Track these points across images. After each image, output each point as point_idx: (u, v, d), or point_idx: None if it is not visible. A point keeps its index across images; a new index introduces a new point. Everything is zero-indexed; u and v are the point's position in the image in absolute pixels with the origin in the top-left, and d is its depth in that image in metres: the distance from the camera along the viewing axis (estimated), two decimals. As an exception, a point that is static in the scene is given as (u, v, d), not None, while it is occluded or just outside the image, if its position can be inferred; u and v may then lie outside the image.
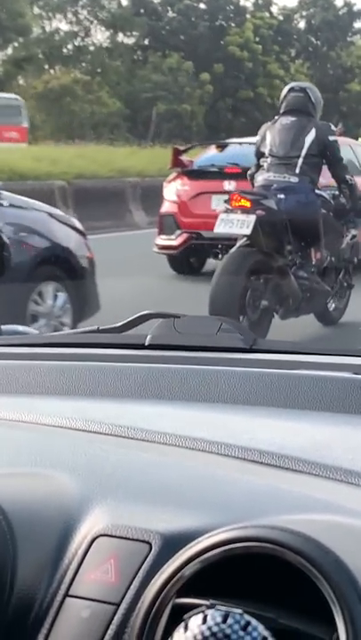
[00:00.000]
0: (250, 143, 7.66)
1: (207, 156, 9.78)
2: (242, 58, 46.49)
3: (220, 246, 6.69)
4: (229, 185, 8.55)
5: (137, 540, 0.78)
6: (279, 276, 5.48)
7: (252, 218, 5.31)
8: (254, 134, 6.43)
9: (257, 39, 48.64)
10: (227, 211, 5.43)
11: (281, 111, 5.86)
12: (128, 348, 1.42)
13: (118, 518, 0.81)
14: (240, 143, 9.55)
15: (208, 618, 0.67)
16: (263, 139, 5.83)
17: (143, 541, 0.77)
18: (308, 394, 1.15)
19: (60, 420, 1.07)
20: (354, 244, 6.15)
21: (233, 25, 51.42)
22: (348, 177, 5.92)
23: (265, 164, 5.74)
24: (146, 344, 1.37)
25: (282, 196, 5.52)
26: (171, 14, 50.30)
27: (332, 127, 5.99)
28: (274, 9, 57.68)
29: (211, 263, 8.75)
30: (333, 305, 6.20)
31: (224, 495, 0.84)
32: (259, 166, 5.83)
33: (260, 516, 0.77)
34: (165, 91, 39.95)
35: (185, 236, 8.98)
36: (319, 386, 1.17)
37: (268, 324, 5.52)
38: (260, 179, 5.69)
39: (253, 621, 0.66)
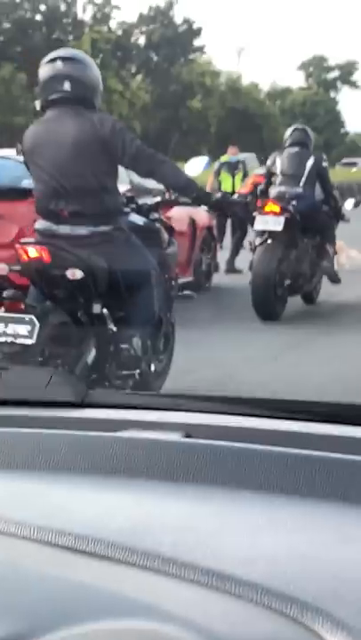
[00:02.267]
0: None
1: None
2: (80, 72, 46.11)
3: None
4: None
5: None
6: (296, 261, 7.96)
7: (282, 218, 7.73)
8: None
9: (95, 53, 48.88)
10: (261, 213, 7.83)
11: (287, 144, 8.43)
12: None
13: None
14: None
15: None
16: (273, 163, 8.44)
17: None
18: (134, 460, 1.11)
19: None
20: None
21: (70, 38, 51.48)
22: (334, 192, 8.76)
23: (277, 181, 8.30)
24: None
25: (295, 202, 7.94)
26: (5, 25, 49.84)
27: (324, 156, 8.86)
28: (112, 23, 58.19)
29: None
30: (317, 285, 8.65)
31: (27, 597, 0.77)
32: (269, 183, 8.46)
33: (65, 625, 0.71)
34: (-2, 102, 39.49)
35: None
36: (146, 451, 1.12)
37: (286, 299, 7.91)
38: (275, 191, 8.21)
39: None
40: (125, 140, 4.32)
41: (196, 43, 60.13)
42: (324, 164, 8.55)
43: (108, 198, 4.35)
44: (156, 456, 1.11)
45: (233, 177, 12.68)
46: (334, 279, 8.65)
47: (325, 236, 8.48)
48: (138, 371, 4.51)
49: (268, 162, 8.67)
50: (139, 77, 52.63)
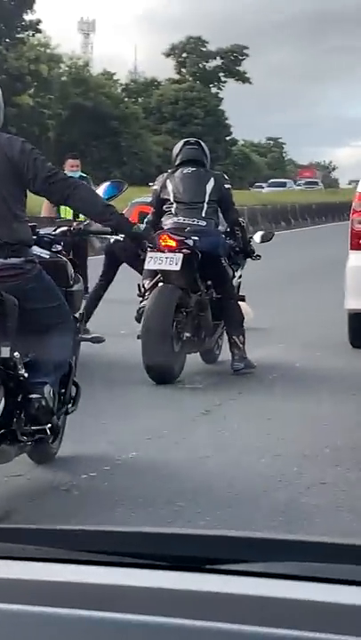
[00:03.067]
0: None
1: None
2: None
3: None
4: None
5: None
6: (198, 309, 7.76)
7: (180, 255, 7.34)
8: None
9: None
10: (152, 249, 7.47)
11: (177, 162, 8.01)
12: None
13: None
14: None
15: None
16: (164, 187, 7.99)
17: None
18: None
19: None
20: (238, 284, 8.80)
21: None
22: (240, 219, 8.77)
23: (172, 209, 7.96)
24: None
25: (196, 237, 7.67)
26: None
27: (225, 177, 8.75)
28: None
29: None
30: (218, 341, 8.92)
31: None
32: (161, 212, 8.07)
33: None
34: None
35: None
36: None
37: (185, 356, 7.75)
38: (170, 222, 7.89)
39: None
40: (37, 162, 4.66)
41: (28, 17, 53.16)
42: (226, 185, 8.14)
43: (18, 226, 4.69)
44: None
45: None
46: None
47: (226, 283, 8.11)
48: (49, 425, 4.76)
49: (156, 186, 8.15)
50: None
